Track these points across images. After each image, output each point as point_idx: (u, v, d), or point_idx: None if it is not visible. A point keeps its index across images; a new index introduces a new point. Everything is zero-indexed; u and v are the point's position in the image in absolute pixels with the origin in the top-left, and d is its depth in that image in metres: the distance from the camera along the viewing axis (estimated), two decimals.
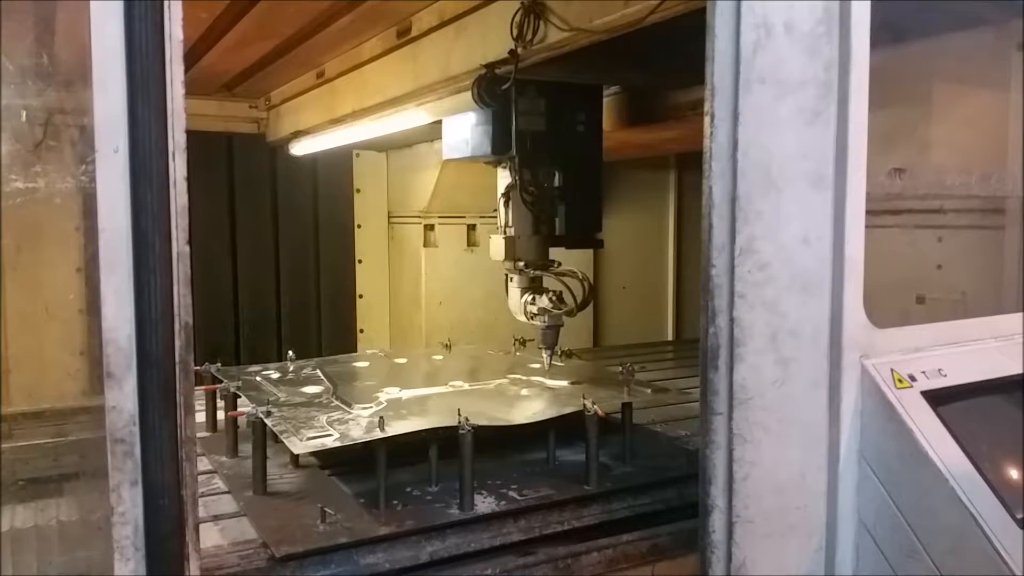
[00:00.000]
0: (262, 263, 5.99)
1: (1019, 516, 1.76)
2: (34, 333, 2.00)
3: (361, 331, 6.21)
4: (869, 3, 1.88)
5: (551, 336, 3.35)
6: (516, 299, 3.46)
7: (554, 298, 3.32)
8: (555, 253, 3.49)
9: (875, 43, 1.90)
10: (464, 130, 3.48)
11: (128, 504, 1.37)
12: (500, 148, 3.28)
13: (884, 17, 1.92)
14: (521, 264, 3.40)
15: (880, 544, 1.88)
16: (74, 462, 2.25)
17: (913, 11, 2.22)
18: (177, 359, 1.40)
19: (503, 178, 3.42)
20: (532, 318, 3.39)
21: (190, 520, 1.44)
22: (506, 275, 3.50)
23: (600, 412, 2.52)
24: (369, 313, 6.23)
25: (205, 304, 5.47)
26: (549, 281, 3.43)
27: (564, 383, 3.13)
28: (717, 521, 1.86)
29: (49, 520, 2.09)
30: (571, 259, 3.50)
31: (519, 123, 3.23)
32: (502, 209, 3.42)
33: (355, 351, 5.83)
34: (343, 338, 6.12)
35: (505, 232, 3.43)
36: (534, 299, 3.37)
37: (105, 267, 1.34)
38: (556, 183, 3.35)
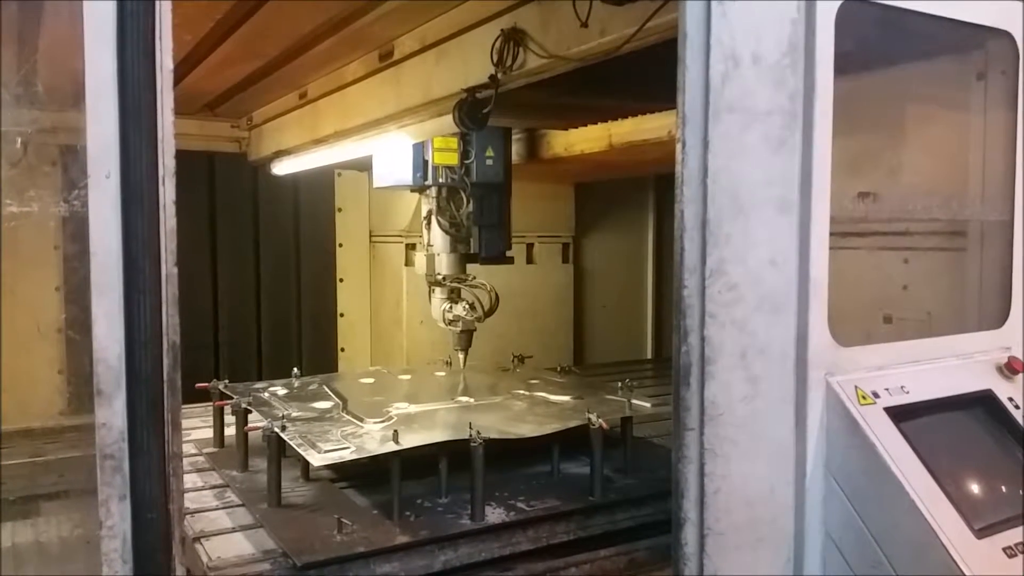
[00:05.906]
0: (242, 282, 5.98)
1: (977, 528, 1.84)
2: (12, 352, 2.01)
3: (342, 350, 6.21)
4: (833, 36, 1.96)
5: (465, 339, 3.94)
6: (437, 307, 4.03)
7: (467, 307, 3.90)
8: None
9: (843, 72, 1.98)
10: (390, 162, 4.07)
11: (116, 518, 1.41)
12: (420, 178, 3.89)
13: (850, 47, 2.01)
14: (440, 277, 3.91)
15: (846, 556, 1.94)
16: (57, 480, 2.26)
17: (879, 42, 2.31)
18: (165, 377, 1.45)
19: (425, 203, 4.01)
20: (449, 324, 3.95)
21: (176, 533, 1.47)
22: (429, 287, 4.07)
23: (605, 425, 2.62)
24: (350, 332, 6.23)
25: (184, 323, 5.37)
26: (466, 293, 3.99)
27: (566, 398, 3.22)
28: (689, 534, 1.90)
29: (34, 537, 2.11)
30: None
31: (435, 157, 3.81)
32: (425, 231, 4.05)
33: (336, 370, 5.84)
34: (324, 357, 6.10)
35: (427, 250, 4.05)
36: (451, 308, 3.93)
37: (96, 290, 1.38)
38: (470, 209, 3.88)
